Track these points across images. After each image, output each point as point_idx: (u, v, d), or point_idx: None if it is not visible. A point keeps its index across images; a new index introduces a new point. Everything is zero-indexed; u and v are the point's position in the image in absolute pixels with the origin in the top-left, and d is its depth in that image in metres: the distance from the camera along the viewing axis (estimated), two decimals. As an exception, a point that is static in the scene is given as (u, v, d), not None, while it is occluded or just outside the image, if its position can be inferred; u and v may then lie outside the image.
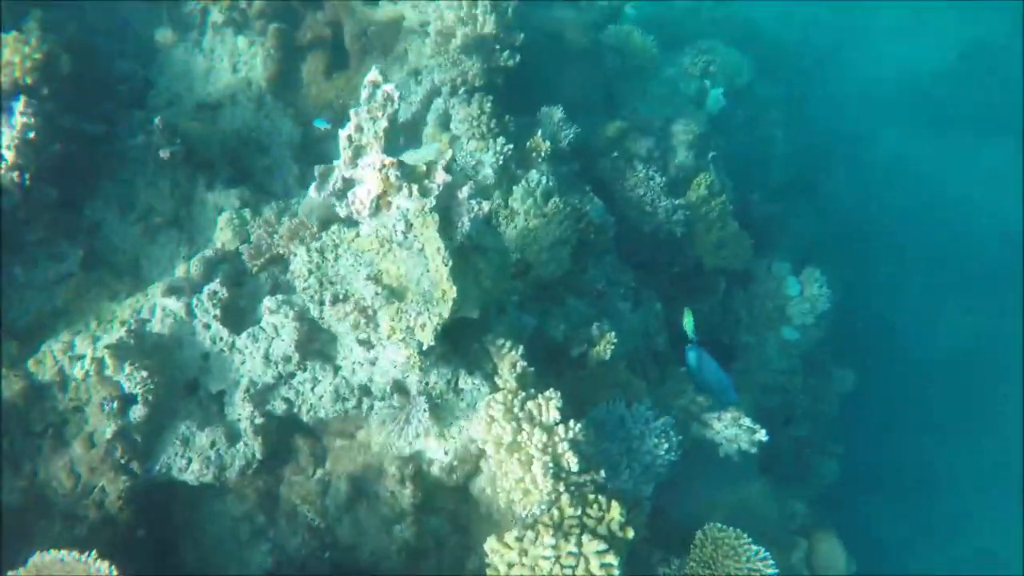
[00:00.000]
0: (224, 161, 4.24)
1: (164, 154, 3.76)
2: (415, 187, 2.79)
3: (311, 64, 4.87)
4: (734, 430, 3.84)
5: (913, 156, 12.40)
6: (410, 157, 4.72)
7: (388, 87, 2.91)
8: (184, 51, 4.88)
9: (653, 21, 9.14)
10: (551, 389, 3.07)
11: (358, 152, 2.95)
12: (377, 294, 2.76)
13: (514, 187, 4.44)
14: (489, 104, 4.48)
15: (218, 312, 3.38)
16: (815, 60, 11.12)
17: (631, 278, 4.64)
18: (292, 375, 3.34)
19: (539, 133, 4.71)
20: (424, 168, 2.91)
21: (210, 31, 4.91)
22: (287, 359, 3.30)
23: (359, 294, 2.89)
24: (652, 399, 3.96)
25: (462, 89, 4.58)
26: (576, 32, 5.59)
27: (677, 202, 5.24)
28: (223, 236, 3.86)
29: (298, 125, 4.66)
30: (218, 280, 3.46)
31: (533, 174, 4.53)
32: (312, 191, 3.03)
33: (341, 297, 2.91)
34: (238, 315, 3.49)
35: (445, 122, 4.71)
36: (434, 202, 2.78)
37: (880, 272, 10.48)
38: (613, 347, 3.75)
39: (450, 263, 2.64)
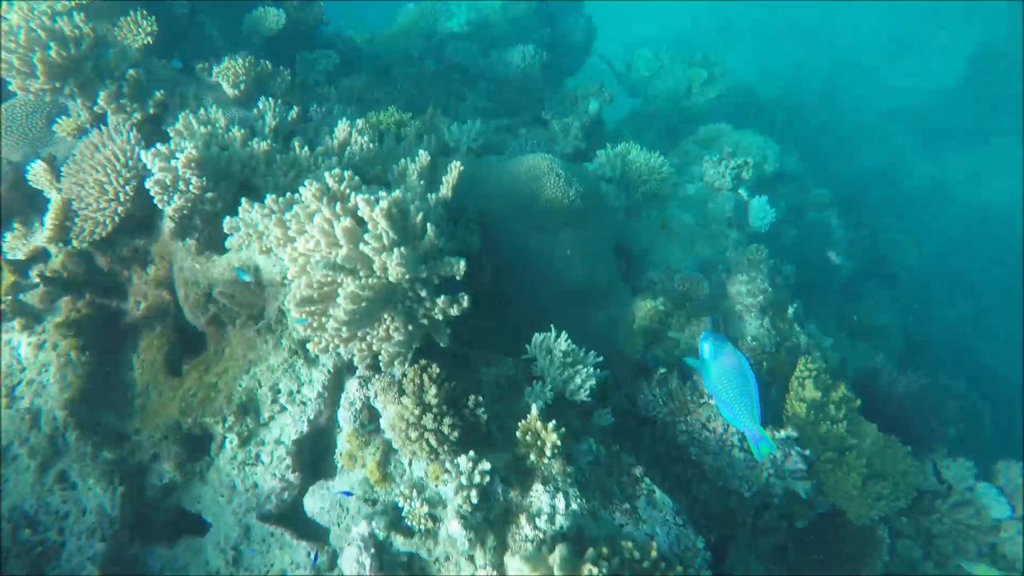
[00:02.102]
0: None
1: None
2: None
3: (147, 354, 2.61)
4: None
5: (952, 178, 9.86)
6: (313, 503, 2.36)
7: None
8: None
9: (640, 116, 6.95)
10: None
11: None
12: None
13: (507, 549, 2.04)
14: (434, 388, 2.16)
15: None
16: (824, 108, 8.79)
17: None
18: None
19: (535, 403, 2.35)
20: None
21: (-11, 332, 2.70)
22: None
23: None
24: None
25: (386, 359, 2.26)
26: (557, 184, 3.31)
27: (784, 434, 2.78)
28: None
29: (117, 484, 2.35)
30: None
31: (540, 502, 2.14)
32: None
33: None
34: None
35: (370, 422, 2.38)
36: None
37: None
38: None
39: None
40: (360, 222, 2.04)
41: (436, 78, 5.39)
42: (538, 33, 6.36)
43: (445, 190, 2.87)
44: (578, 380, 2.55)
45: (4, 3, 2.76)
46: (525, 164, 3.41)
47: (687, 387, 2.91)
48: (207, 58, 3.90)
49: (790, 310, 3.51)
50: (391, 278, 1.95)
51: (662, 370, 2.97)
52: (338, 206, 2.02)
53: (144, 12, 3.62)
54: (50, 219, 2.36)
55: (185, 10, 4.16)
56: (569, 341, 2.64)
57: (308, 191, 2.06)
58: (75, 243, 2.39)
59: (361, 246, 1.94)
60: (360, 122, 2.94)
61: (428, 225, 2.02)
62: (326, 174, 2.09)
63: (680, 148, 5.74)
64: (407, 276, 1.96)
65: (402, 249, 1.92)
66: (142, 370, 2.58)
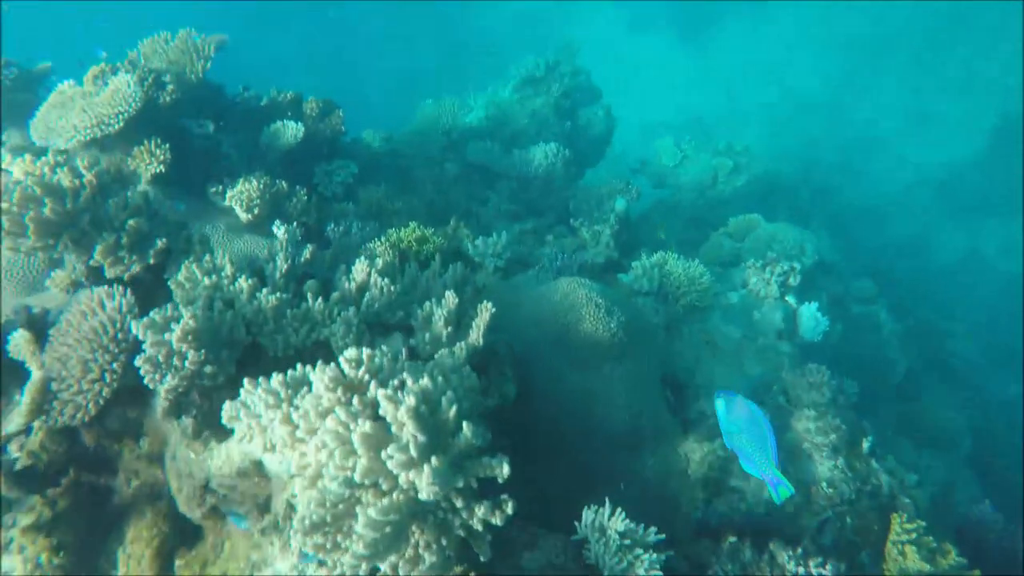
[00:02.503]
0: None
1: None
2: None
3: (134, 547, 2.22)
4: None
5: (985, 250, 9.41)
6: None
7: None
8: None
9: (664, 205, 6.70)
10: None
11: None
12: None
13: None
14: (473, 613, 1.73)
15: None
16: (848, 185, 8.52)
17: None
18: None
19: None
20: None
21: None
22: None
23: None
24: None
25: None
26: (597, 315, 2.96)
27: (892, 628, 2.27)
28: None
29: None
30: None
31: None
32: None
33: None
34: None
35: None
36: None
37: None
38: None
39: None
40: (380, 414, 1.67)
41: (457, 181, 5.19)
42: (558, 127, 6.23)
43: (476, 335, 2.53)
44: (640, 571, 2.09)
45: (8, 156, 2.56)
46: (559, 291, 3.07)
47: (765, 560, 2.43)
48: (221, 178, 3.71)
49: (865, 444, 3.05)
50: (421, 497, 1.56)
51: (732, 539, 2.50)
52: (355, 400, 1.67)
53: (158, 140, 3.45)
54: (26, 403, 2.04)
55: (207, 130, 4.02)
56: (627, 520, 2.20)
57: (320, 380, 1.71)
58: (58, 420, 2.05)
59: (384, 455, 1.57)
60: (380, 261, 2.64)
61: (464, 424, 1.65)
62: (341, 359, 1.75)
63: (711, 242, 5.43)
64: (439, 489, 1.57)
65: (433, 463, 1.54)
66: (128, 568, 2.17)
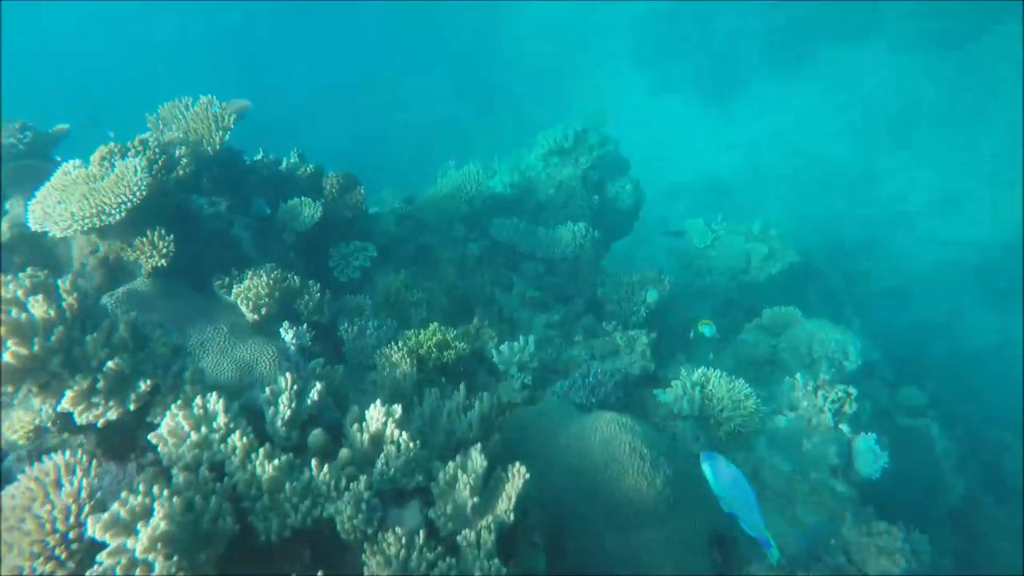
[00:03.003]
0: None
1: None
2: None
3: None
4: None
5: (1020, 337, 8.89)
6: None
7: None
8: None
9: (694, 289, 6.30)
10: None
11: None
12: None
13: None
14: None
15: None
16: (884, 270, 8.10)
17: None
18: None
19: None
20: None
21: None
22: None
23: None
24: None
25: None
26: (642, 470, 2.51)
27: None
28: None
29: None
30: None
31: None
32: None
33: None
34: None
35: None
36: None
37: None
38: None
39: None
40: None
41: (480, 261, 4.83)
42: (585, 200, 5.88)
43: (505, 506, 2.11)
44: None
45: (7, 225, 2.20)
46: (598, 435, 2.64)
47: None
48: (228, 268, 3.35)
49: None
50: None
51: None
52: None
53: (162, 231, 3.11)
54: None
55: (219, 209, 3.69)
56: None
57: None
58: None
59: None
60: (397, 409, 2.23)
61: None
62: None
63: (746, 337, 5.00)
64: None
65: None
66: None
